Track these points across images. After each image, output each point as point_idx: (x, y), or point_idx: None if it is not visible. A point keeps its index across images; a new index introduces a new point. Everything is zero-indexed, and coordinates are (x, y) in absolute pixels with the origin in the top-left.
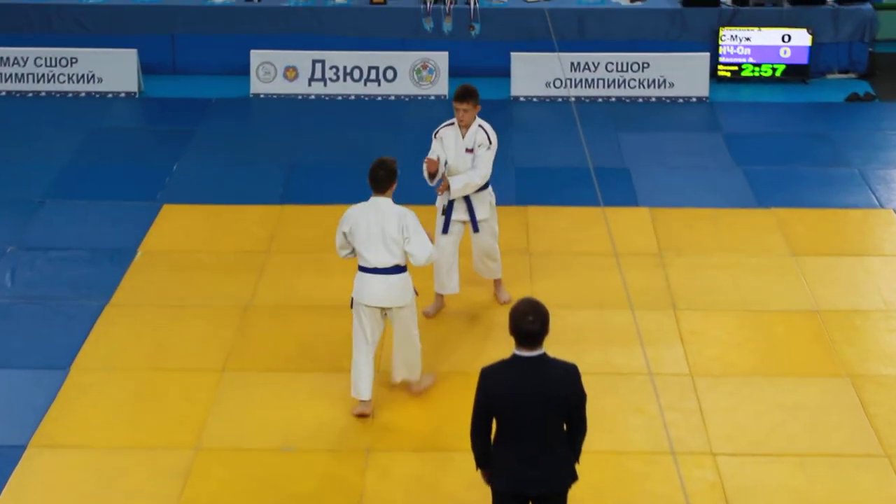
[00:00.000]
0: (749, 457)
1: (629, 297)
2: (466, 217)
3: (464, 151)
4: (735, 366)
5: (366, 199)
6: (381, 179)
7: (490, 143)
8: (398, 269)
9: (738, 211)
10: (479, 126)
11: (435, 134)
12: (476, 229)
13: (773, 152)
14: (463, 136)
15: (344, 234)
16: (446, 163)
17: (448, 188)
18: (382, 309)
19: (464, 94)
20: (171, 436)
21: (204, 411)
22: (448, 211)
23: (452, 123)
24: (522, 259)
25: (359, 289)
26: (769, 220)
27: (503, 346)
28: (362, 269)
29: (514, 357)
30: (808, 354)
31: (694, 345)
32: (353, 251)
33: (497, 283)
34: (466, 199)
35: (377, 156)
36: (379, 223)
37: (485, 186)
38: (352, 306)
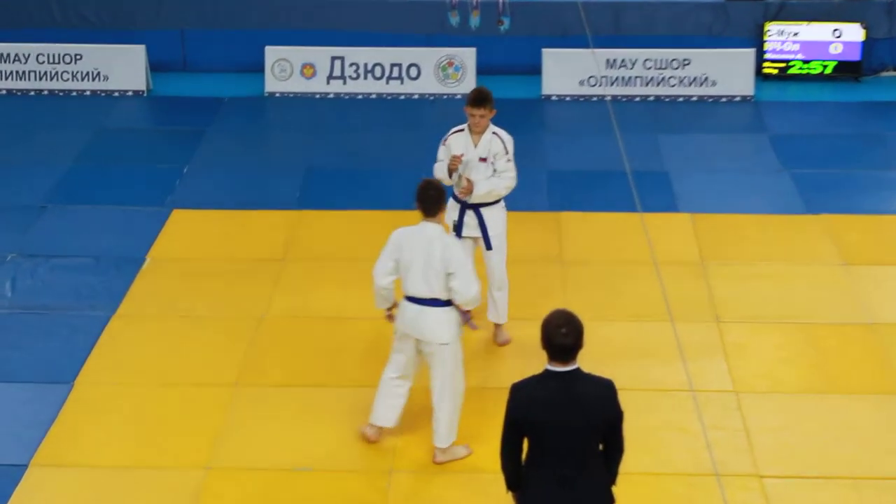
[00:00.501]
0: (798, 479)
1: (669, 309)
2: (478, 233)
3: (477, 160)
4: (783, 382)
5: (387, 204)
6: (433, 200)
7: (507, 151)
8: (438, 303)
9: (785, 217)
10: (494, 133)
11: (444, 141)
12: (489, 246)
13: (822, 155)
14: (475, 144)
15: (396, 261)
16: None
17: (471, 190)
18: (417, 341)
19: (479, 99)
20: (180, 455)
21: (215, 429)
22: (458, 226)
23: (462, 129)
24: (555, 268)
25: (399, 312)
26: (819, 227)
27: (535, 361)
28: (405, 294)
29: (547, 372)
30: (861, 370)
31: (739, 359)
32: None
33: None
34: (478, 213)
35: (399, 158)
36: (424, 251)
37: (497, 199)
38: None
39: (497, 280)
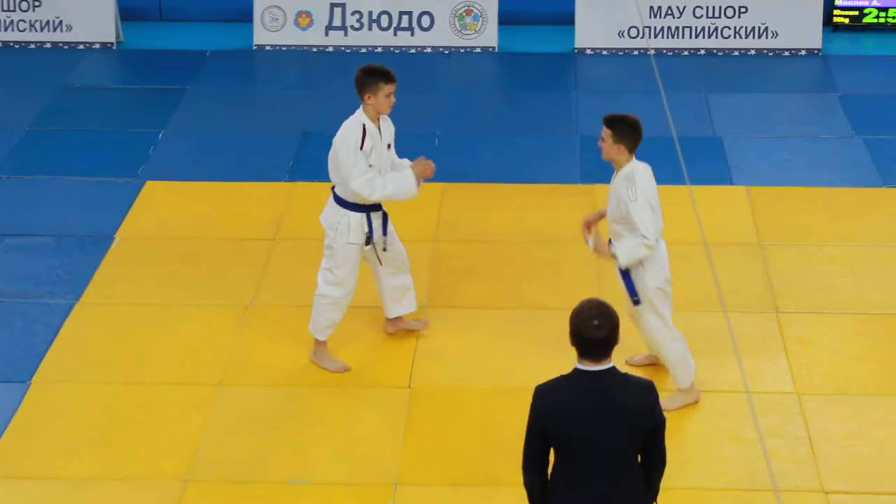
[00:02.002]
0: (869, 496)
1: (721, 297)
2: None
3: (386, 149)
4: (853, 383)
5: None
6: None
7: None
8: None
9: (857, 191)
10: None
11: (359, 147)
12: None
13: None
14: (380, 131)
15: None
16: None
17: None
18: None
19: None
20: (154, 465)
21: (195, 434)
22: (371, 235)
23: (361, 121)
24: (587, 251)
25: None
26: None
27: (565, 358)
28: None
29: (576, 372)
30: None
31: (802, 356)
32: None
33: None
34: (381, 209)
35: (408, 122)
36: None
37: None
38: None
39: (405, 261)
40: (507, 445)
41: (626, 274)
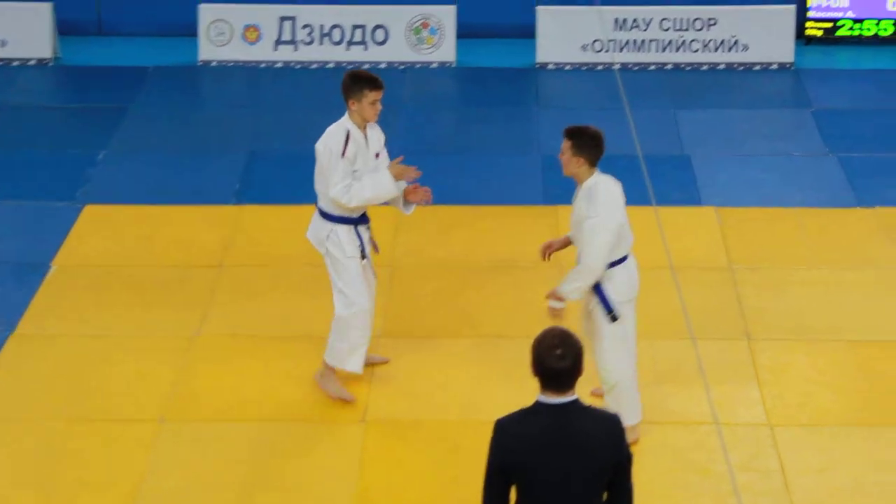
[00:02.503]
0: None
1: (689, 324)
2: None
3: (374, 158)
4: (828, 413)
5: None
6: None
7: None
8: None
9: (831, 211)
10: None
11: (342, 154)
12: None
13: (877, 135)
14: (367, 139)
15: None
16: None
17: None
18: None
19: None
20: None
21: (136, 474)
22: (363, 250)
23: (345, 128)
24: (551, 274)
25: (629, 282)
26: (872, 222)
27: (527, 389)
28: (623, 258)
29: (539, 404)
30: None
31: (774, 385)
32: None
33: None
34: (366, 220)
35: None
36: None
37: None
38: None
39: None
40: (466, 482)
41: (599, 288)
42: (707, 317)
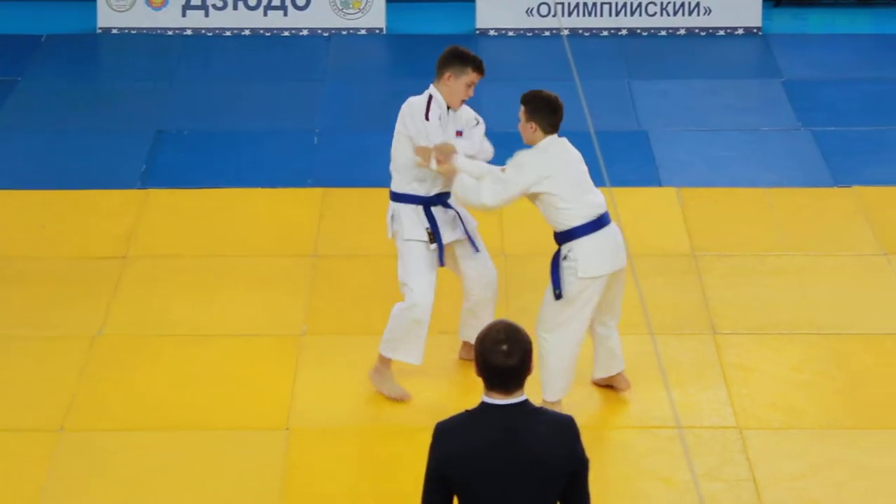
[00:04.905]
0: None
1: (648, 317)
2: (458, 234)
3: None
4: (803, 415)
5: (264, 180)
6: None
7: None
8: None
9: (804, 191)
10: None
11: (434, 116)
12: (477, 248)
13: (854, 107)
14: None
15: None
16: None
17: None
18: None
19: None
20: None
21: (34, 487)
22: (436, 234)
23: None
24: (496, 264)
25: (598, 257)
26: (850, 203)
27: (470, 390)
28: (593, 224)
29: (484, 406)
30: None
31: (742, 385)
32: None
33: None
34: (449, 206)
35: (281, 118)
36: (577, 160)
37: None
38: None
39: (493, 283)
40: (402, 495)
41: (556, 262)
42: (668, 309)
